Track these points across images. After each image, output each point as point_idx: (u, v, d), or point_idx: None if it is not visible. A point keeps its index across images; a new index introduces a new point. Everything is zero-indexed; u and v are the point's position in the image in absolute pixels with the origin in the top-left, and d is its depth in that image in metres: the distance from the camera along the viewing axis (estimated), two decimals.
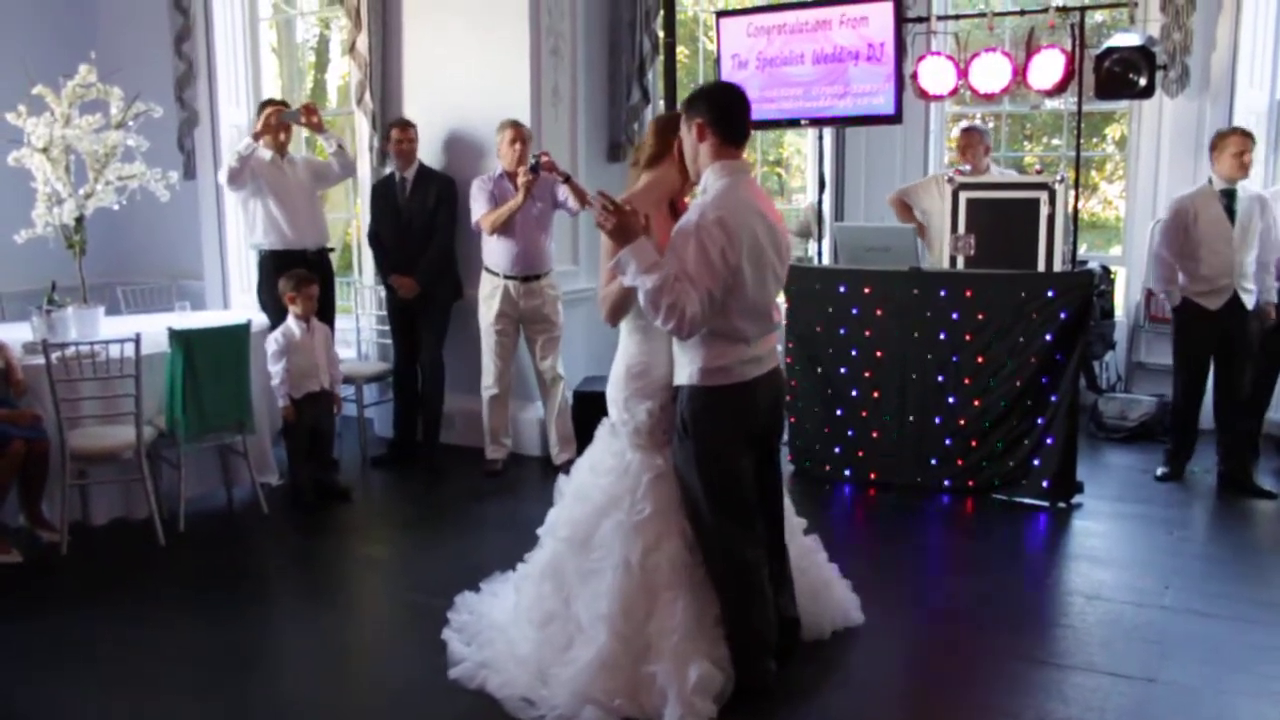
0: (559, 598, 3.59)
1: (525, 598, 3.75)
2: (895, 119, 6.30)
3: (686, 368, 3.39)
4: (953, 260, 5.75)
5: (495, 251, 5.95)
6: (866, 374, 5.76)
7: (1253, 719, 3.43)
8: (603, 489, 3.57)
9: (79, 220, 5.49)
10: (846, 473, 5.87)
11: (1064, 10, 5.83)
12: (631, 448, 3.56)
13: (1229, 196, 5.64)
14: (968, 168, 6.27)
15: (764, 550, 3.57)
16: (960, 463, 5.63)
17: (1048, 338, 5.39)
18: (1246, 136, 5.59)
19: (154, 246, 7.58)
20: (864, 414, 5.80)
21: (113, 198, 5.58)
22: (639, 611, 3.43)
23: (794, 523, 3.96)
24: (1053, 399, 5.44)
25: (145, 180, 5.60)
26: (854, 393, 5.80)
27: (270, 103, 6.30)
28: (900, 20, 6.10)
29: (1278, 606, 4.32)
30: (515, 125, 5.93)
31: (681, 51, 8.95)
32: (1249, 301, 5.65)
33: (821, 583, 4.04)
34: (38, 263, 5.80)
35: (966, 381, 5.57)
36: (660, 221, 3.50)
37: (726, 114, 3.40)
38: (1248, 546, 5.13)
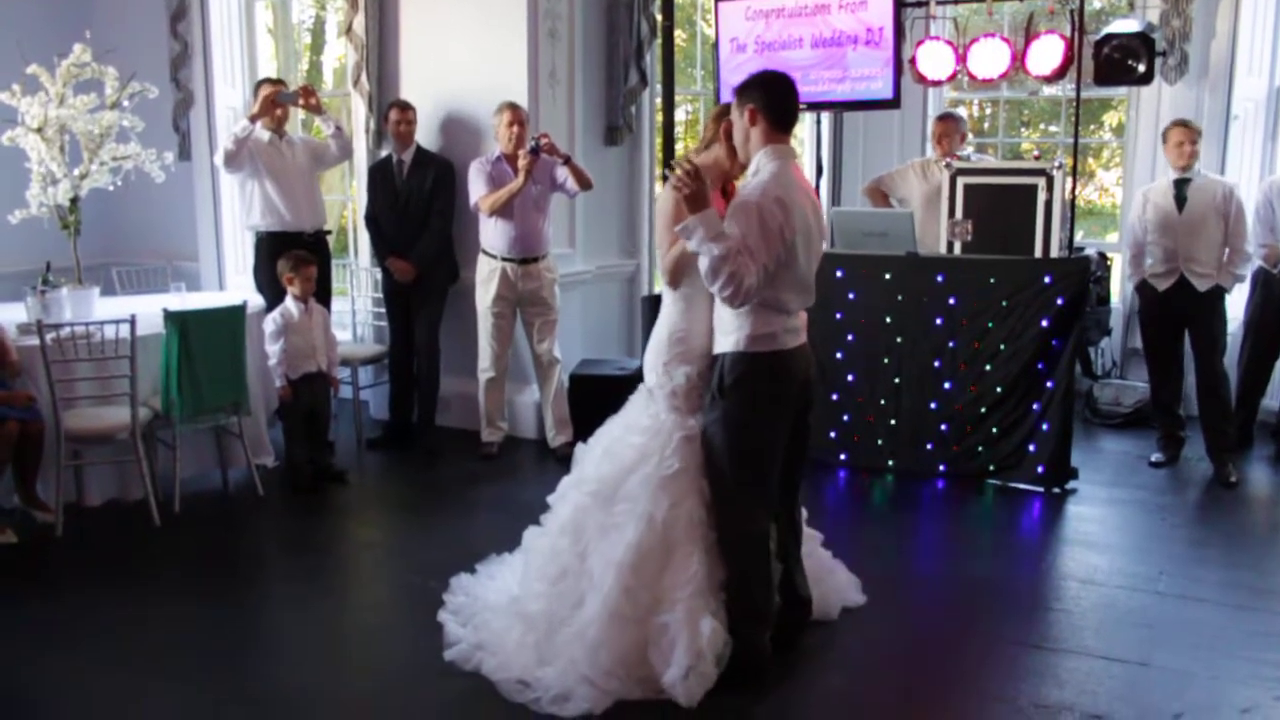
0: (574, 552, 3.64)
1: (538, 555, 3.78)
2: (893, 104, 6.29)
3: (733, 334, 3.48)
4: (950, 246, 5.75)
5: (493, 234, 5.94)
6: (862, 359, 5.76)
7: (1244, 703, 3.45)
8: (635, 446, 3.64)
9: (74, 201, 5.47)
10: (842, 457, 5.88)
11: None
12: (667, 409, 3.63)
13: (1179, 186, 5.76)
14: (947, 161, 6.22)
15: (773, 522, 3.63)
16: (956, 448, 5.65)
17: (1044, 323, 5.40)
18: (1187, 128, 5.75)
19: (149, 227, 7.55)
20: (860, 399, 5.80)
21: (108, 178, 5.56)
22: (652, 565, 3.49)
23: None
24: (1048, 385, 5.45)
25: (140, 161, 5.57)
26: (850, 378, 5.80)
27: (267, 81, 6.27)
28: (899, 5, 6.08)
29: (1270, 592, 4.34)
30: (513, 108, 5.91)
31: (679, 35, 8.93)
32: (1200, 285, 5.72)
33: (825, 569, 4.11)
34: (32, 243, 5.78)
35: (962, 367, 5.58)
36: (712, 202, 3.56)
37: (779, 101, 3.54)
38: (1241, 532, 5.15)
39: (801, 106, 6.44)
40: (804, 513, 4.02)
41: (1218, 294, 5.79)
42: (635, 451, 3.63)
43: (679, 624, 3.43)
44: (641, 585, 3.47)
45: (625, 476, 3.60)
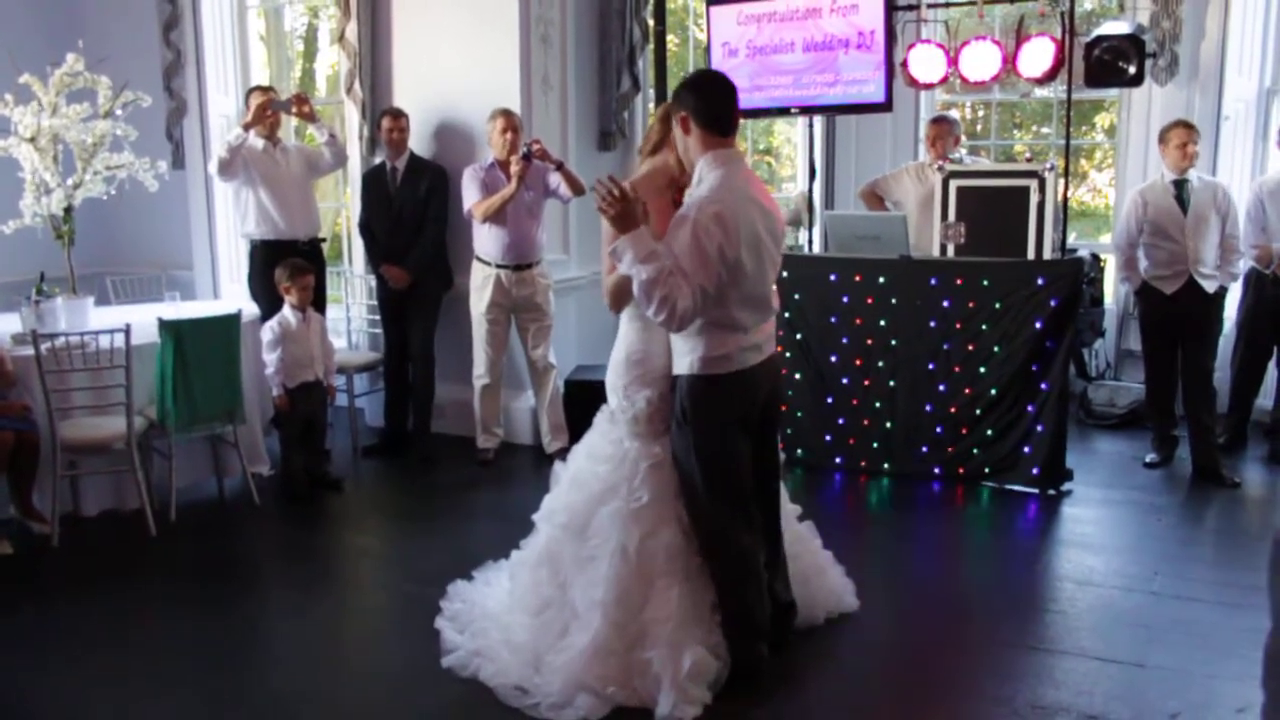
0: (555, 584, 3.60)
1: (520, 585, 3.76)
2: (885, 107, 6.30)
3: (686, 356, 3.39)
4: (943, 248, 5.76)
5: (487, 241, 5.94)
6: (857, 362, 5.78)
7: (1239, 702, 3.46)
8: (600, 476, 3.58)
9: (67, 210, 5.47)
10: (837, 460, 5.89)
11: None
12: (630, 435, 3.57)
13: (1179, 187, 5.74)
14: (939, 164, 6.22)
15: (759, 536, 3.59)
16: (951, 450, 5.66)
17: (1038, 325, 5.41)
18: (1189, 129, 5.72)
19: (143, 237, 7.54)
20: (854, 402, 5.82)
21: (101, 187, 5.56)
22: (634, 598, 3.44)
23: (788, 509, 3.98)
24: (1043, 386, 5.47)
25: (134, 170, 5.57)
26: (844, 380, 5.81)
27: (258, 88, 6.27)
28: (890, 8, 6.09)
29: (1265, 591, 4.35)
30: (506, 114, 5.92)
31: (671, 40, 8.94)
32: (1208, 287, 5.71)
33: (814, 569, 4.07)
34: (26, 253, 5.78)
35: (957, 369, 5.59)
36: (662, 208, 3.51)
37: (709, 104, 3.38)
38: (1235, 532, 5.17)
39: (794, 110, 6.60)
40: (796, 508, 4.02)
41: (1221, 294, 5.81)
42: (600, 482, 3.57)
43: (662, 661, 3.37)
44: (629, 618, 3.43)
45: (594, 507, 3.55)
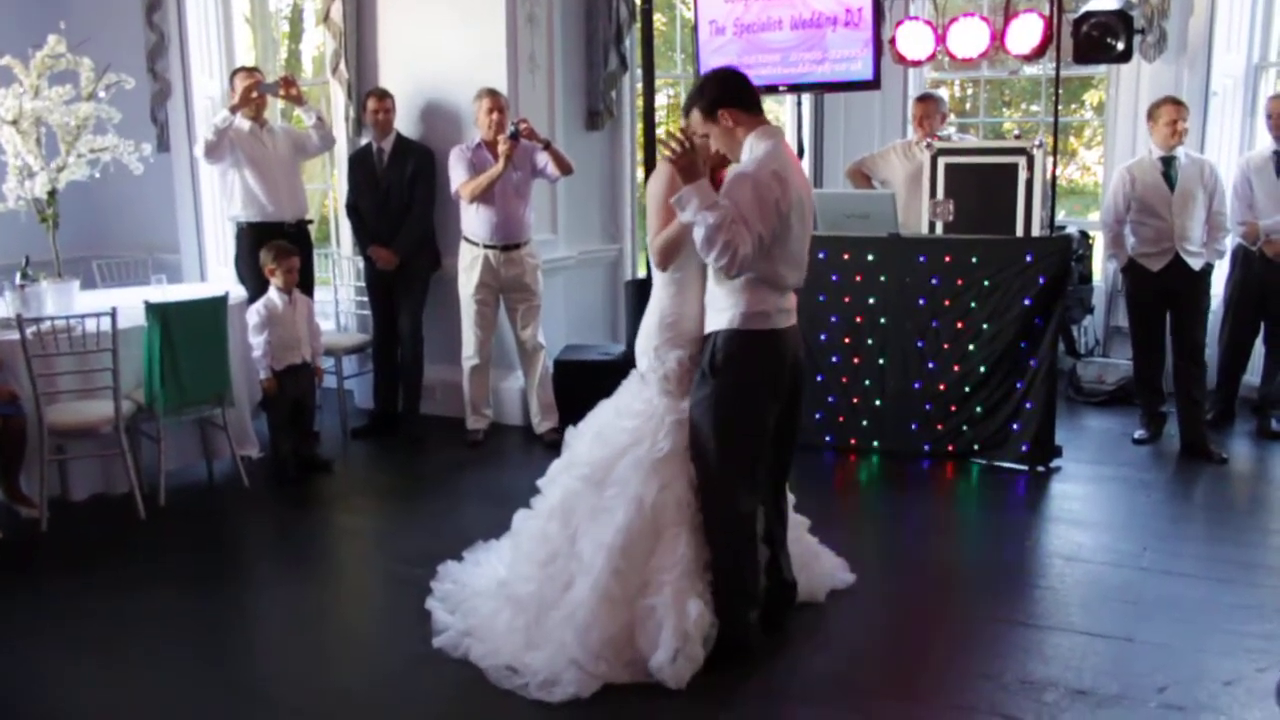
0: (564, 535, 3.64)
1: (527, 539, 3.79)
2: (874, 85, 6.29)
3: (726, 312, 3.48)
4: (931, 226, 5.76)
5: (474, 221, 5.92)
6: (846, 340, 5.77)
7: (1227, 675, 3.48)
8: (628, 430, 3.65)
9: (51, 194, 5.43)
10: (827, 439, 5.89)
11: None
12: (660, 393, 3.64)
13: (1167, 164, 5.73)
14: (928, 141, 6.20)
15: (761, 504, 3.64)
16: (940, 427, 5.67)
17: (1026, 302, 5.42)
18: (1179, 105, 5.70)
19: (129, 220, 7.50)
20: (844, 380, 5.82)
21: (85, 171, 5.51)
22: (641, 548, 3.50)
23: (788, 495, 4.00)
24: (1031, 363, 5.48)
25: (118, 153, 5.53)
26: (834, 359, 5.81)
27: (243, 70, 6.22)
28: None
29: (1252, 566, 4.37)
30: (492, 94, 5.88)
31: (659, 18, 8.90)
32: (1194, 264, 5.72)
33: (810, 554, 4.12)
34: (10, 237, 5.74)
35: (946, 347, 5.60)
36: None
37: (738, 89, 3.53)
38: (1223, 507, 5.20)
39: (782, 89, 6.58)
40: (791, 498, 4.03)
41: (1208, 271, 5.81)
42: (627, 435, 3.64)
43: (666, 606, 3.43)
44: (631, 568, 3.49)
45: (617, 460, 3.61)
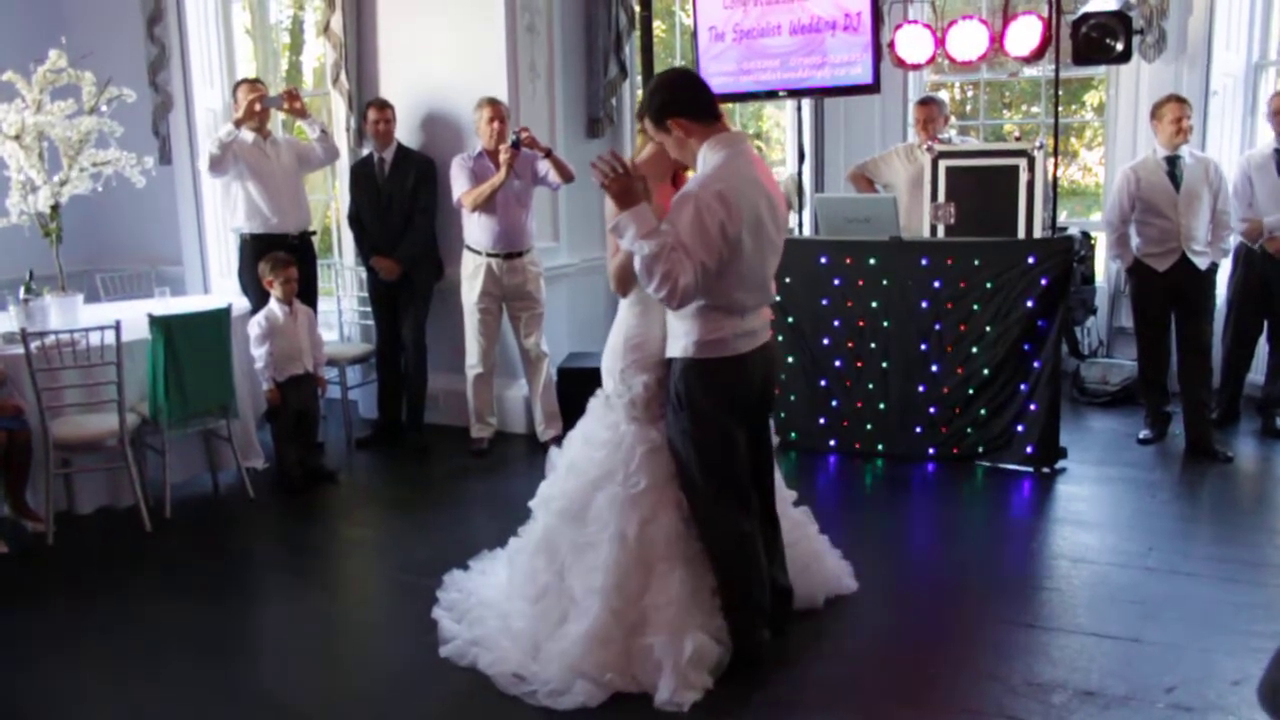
0: (552, 571, 3.60)
1: (518, 573, 3.76)
2: (873, 89, 6.28)
3: (681, 340, 3.38)
4: (933, 229, 5.76)
5: (477, 229, 5.93)
6: (849, 344, 5.78)
7: (1234, 675, 3.47)
8: (597, 462, 3.57)
9: (54, 208, 5.44)
10: (831, 443, 5.89)
11: None
12: (626, 420, 3.56)
13: (1171, 164, 5.71)
14: (929, 144, 6.20)
15: (758, 521, 3.58)
16: (944, 430, 5.67)
17: (1029, 304, 5.42)
18: (1183, 103, 5.67)
19: (132, 233, 7.51)
20: (848, 384, 5.82)
21: (88, 184, 5.53)
22: (634, 585, 3.44)
23: (784, 494, 3.98)
24: (1035, 365, 5.47)
25: (120, 166, 5.55)
26: (837, 363, 5.81)
27: (245, 82, 6.24)
28: None
29: (1258, 565, 4.37)
30: (493, 103, 5.90)
31: (658, 25, 8.91)
32: (1200, 263, 5.70)
33: (812, 555, 4.06)
34: (14, 251, 5.75)
35: (949, 349, 5.59)
36: (663, 192, 3.49)
37: (689, 97, 3.35)
38: (1229, 507, 5.19)
39: (782, 94, 6.58)
40: (791, 494, 4.02)
41: (1213, 270, 5.80)
42: (597, 468, 3.56)
43: (663, 646, 3.37)
44: (627, 604, 3.43)
45: (592, 493, 3.54)
